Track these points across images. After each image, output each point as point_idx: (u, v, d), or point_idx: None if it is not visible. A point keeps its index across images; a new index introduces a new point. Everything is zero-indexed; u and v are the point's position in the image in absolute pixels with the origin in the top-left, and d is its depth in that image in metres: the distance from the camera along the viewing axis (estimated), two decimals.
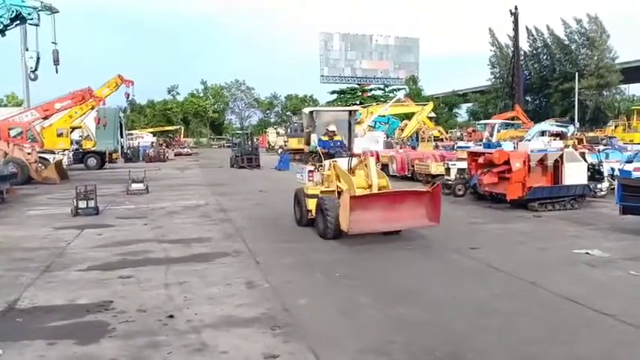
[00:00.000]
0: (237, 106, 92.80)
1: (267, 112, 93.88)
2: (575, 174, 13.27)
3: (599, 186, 14.52)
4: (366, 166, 9.93)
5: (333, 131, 11.61)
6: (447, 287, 6.93)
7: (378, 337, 5.32)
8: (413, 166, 21.21)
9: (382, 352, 4.95)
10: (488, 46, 73.86)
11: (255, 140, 38.23)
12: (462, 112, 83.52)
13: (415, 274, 7.70)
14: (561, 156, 13.42)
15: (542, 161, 13.46)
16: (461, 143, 28.15)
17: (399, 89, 70.04)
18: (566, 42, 67.45)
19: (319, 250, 9.23)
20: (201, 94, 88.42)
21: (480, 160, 14.19)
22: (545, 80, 67.87)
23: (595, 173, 14.42)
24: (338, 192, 10.04)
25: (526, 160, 13.15)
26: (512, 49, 59.85)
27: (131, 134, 56.02)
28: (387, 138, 29.45)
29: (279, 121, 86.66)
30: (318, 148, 11.27)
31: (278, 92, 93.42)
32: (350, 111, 12.85)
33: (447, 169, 17.32)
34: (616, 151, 17.81)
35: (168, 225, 12.01)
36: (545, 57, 70.69)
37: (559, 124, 33.03)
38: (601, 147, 19.51)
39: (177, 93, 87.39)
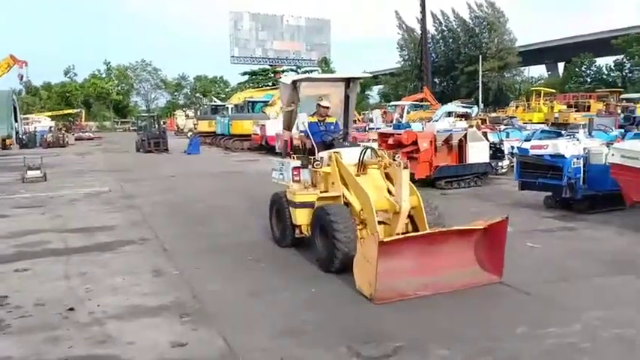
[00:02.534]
0: (143, 87, 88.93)
1: (176, 93, 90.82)
2: (478, 153, 13.89)
3: (500, 164, 15.26)
4: (383, 166, 6.80)
5: (327, 108, 8.20)
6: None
7: (291, 317, 5.28)
8: (293, 145, 21.19)
9: (295, 332, 4.92)
10: (397, 29, 75.66)
11: (162, 123, 36.89)
12: (374, 94, 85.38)
13: None
14: (465, 136, 13.97)
15: (447, 141, 13.94)
16: (372, 124, 28.64)
17: (311, 71, 70.03)
18: (471, 25, 70.43)
19: (230, 235, 9.02)
20: (104, 76, 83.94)
21: (390, 141, 14.45)
22: (451, 63, 70.57)
23: (496, 152, 15.14)
24: (345, 202, 6.80)
25: (432, 141, 13.56)
26: (420, 32, 61.62)
27: (27, 119, 52.55)
28: None
29: (188, 103, 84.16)
30: (301, 135, 7.97)
31: (187, 73, 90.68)
32: (348, 79, 8.61)
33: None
34: (516, 131, 18.80)
35: (68, 214, 11.34)
36: (451, 40, 73.44)
37: (464, 105, 34.45)
38: (502, 127, 20.51)
39: (75, 74, 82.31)
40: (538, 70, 79.70)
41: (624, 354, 4.33)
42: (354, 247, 5.97)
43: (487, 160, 14.15)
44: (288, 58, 79.67)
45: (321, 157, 7.24)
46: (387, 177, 6.81)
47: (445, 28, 73.77)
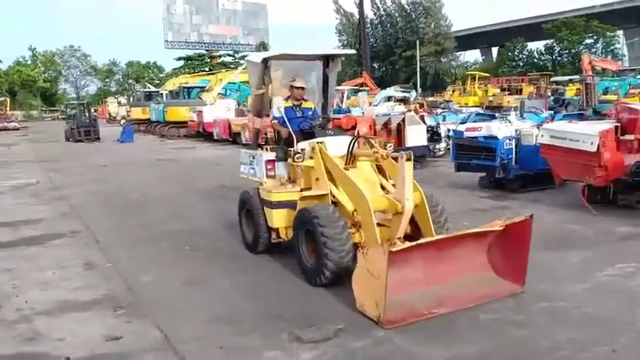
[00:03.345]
0: (72, 74, 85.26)
1: (107, 80, 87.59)
2: (416, 136, 14.09)
3: (437, 146, 15.56)
4: (376, 158, 5.73)
5: (302, 89, 6.99)
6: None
7: (229, 306, 5.17)
8: (266, 134, 21.03)
9: (234, 320, 4.82)
10: (335, 14, 75.63)
11: (93, 111, 35.43)
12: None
13: None
14: (403, 119, 14.15)
15: (386, 125, 14.06)
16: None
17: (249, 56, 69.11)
18: (408, 10, 71.32)
19: (166, 224, 8.75)
20: (29, 62, 79.67)
21: (329, 125, 14.41)
22: (390, 48, 71.28)
23: (434, 135, 15.42)
24: (333, 201, 5.73)
25: (372, 125, 13.66)
26: (358, 16, 61.86)
27: None
28: (239, 106, 28.97)
29: (120, 90, 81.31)
30: (274, 123, 6.92)
31: (118, 59, 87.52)
32: (326, 57, 7.44)
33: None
34: (452, 114, 19.20)
35: None
36: (389, 25, 74.15)
37: (403, 89, 34.95)
38: (439, 110, 20.90)
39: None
40: (473, 55, 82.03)
41: (555, 326, 4.47)
42: (348, 257, 5.21)
43: (425, 143, 14.37)
44: (225, 42, 78.18)
45: (302, 149, 6.09)
46: (379, 170, 5.97)
47: (383, 13, 74.38)
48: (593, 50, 51.28)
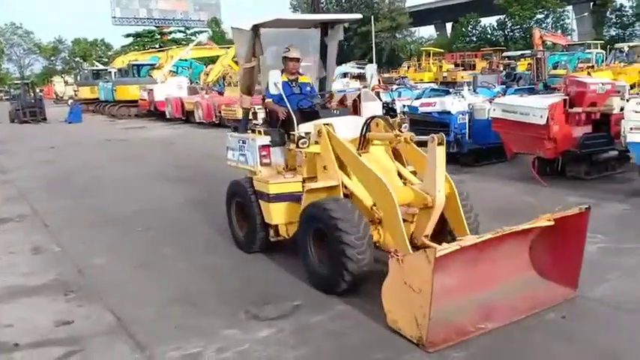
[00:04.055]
0: (15, 52, 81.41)
1: (52, 58, 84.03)
2: (371, 112, 13.97)
3: None
4: (396, 141, 4.97)
5: (298, 60, 6.00)
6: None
7: (184, 287, 5.09)
8: (220, 112, 20.76)
9: (190, 301, 4.75)
10: None
11: (38, 91, 34.04)
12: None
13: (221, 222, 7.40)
14: (359, 96, 14.05)
15: (342, 102, 13.90)
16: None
17: (201, 32, 67.61)
18: None
19: (117, 205, 8.53)
20: None
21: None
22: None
23: (389, 111, 15.43)
24: (345, 194, 4.95)
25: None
26: None
27: None
28: (191, 83, 28.35)
29: (67, 69, 78.27)
30: (268, 101, 5.86)
31: (63, 36, 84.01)
32: (326, 23, 6.50)
33: (254, 113, 17.17)
34: (407, 90, 19.29)
35: None
36: (344, 1, 73.67)
37: (358, 65, 34.94)
38: (394, 86, 20.98)
39: None
40: (428, 31, 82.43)
41: None
42: (369, 263, 4.45)
43: None
44: (176, 18, 76.13)
45: (307, 132, 5.21)
46: (395, 155, 5.25)
47: None
48: (544, 25, 52.28)
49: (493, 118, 9.25)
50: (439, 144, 4.33)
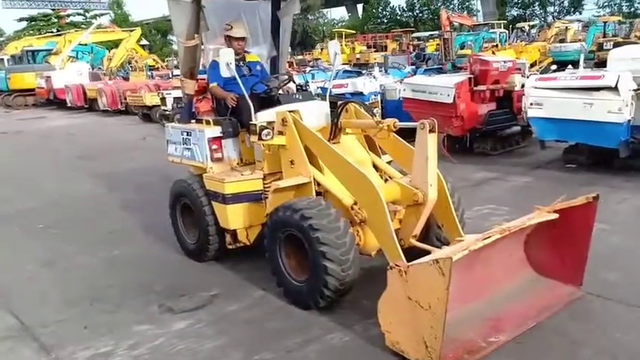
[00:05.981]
0: None
1: None
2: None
3: None
4: (378, 129, 4.25)
5: (243, 40, 5.26)
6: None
7: (91, 284, 4.81)
8: (126, 99, 19.83)
9: (98, 298, 4.50)
10: None
11: None
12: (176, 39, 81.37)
13: (126, 213, 7.07)
14: None
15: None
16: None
17: (102, 14, 64.22)
18: None
19: (14, 201, 7.96)
20: None
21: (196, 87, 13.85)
22: None
23: None
24: (318, 192, 4.28)
25: None
26: None
27: None
28: (93, 69, 26.88)
29: None
30: (215, 86, 5.14)
31: None
32: None
33: (163, 99, 16.60)
34: (321, 72, 19.34)
35: None
36: None
37: None
38: (308, 69, 20.96)
39: None
40: (339, 12, 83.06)
41: None
42: (353, 268, 3.82)
43: None
44: (73, 0, 71.85)
45: (269, 122, 4.47)
46: (369, 144, 4.68)
47: None
48: (451, 7, 54.25)
49: (404, 98, 9.42)
50: (430, 131, 3.76)
